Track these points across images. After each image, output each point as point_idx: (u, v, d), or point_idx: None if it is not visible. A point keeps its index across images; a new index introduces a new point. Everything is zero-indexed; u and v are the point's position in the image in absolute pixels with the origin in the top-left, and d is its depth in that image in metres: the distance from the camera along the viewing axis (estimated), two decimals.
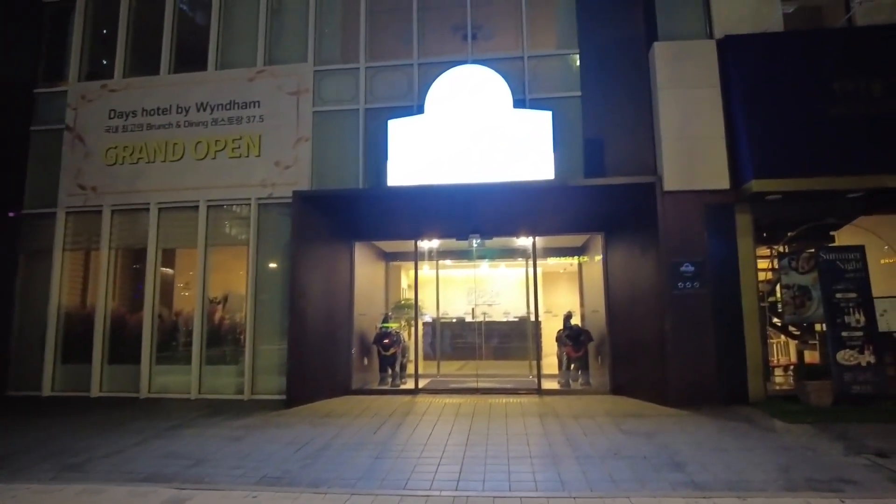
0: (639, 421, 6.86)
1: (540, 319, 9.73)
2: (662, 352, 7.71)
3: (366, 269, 10.35)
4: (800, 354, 9.01)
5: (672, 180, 8.01)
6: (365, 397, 8.89)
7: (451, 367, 12.60)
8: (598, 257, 9.49)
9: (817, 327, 8.48)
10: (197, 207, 9.47)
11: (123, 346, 9.52)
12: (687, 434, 6.18)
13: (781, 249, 8.65)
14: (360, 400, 8.67)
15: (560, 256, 11.65)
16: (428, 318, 12.63)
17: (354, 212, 9.05)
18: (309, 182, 9.18)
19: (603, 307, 9.16)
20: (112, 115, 9.85)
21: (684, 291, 7.88)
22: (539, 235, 9.39)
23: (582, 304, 11.23)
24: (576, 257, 11.62)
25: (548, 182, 8.26)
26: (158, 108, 9.78)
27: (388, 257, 11.87)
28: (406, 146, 8.72)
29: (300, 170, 9.24)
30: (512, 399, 8.46)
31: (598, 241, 9.45)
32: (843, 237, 8.43)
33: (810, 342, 8.86)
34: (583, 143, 8.73)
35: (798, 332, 8.77)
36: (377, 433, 6.47)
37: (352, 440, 6.18)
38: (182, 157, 9.58)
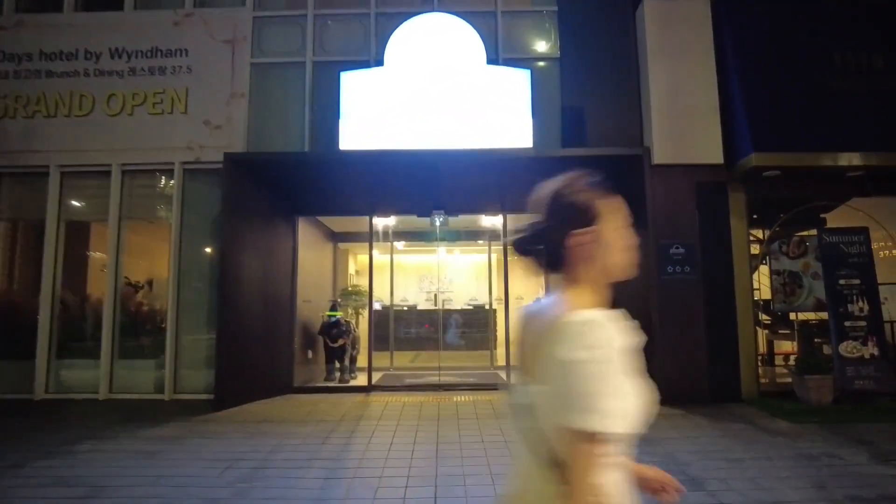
0: None
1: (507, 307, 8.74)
2: (648, 342, 6.89)
3: (311, 250, 9.09)
4: (770, 344, 8.50)
5: (662, 153, 7.18)
6: (310, 397, 7.69)
7: (406, 359, 11.57)
8: None
9: (792, 316, 7.95)
10: (109, 173, 7.92)
11: (14, 338, 7.91)
12: (689, 440, 5.35)
13: (770, 233, 8.00)
14: (305, 400, 7.47)
15: None
16: (379, 306, 11.54)
17: (298, 181, 7.76)
18: (244, 145, 7.82)
19: None
20: (0, 58, 8.12)
21: (674, 276, 7.09)
22: (510, 213, 8.39)
23: (548, 290, 10.35)
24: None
25: (524, 151, 7.26)
26: (61, 53, 8.12)
27: (338, 238, 10.63)
28: (361, 105, 7.51)
29: (234, 130, 7.87)
30: (480, 396, 7.47)
31: None
32: (835, 220, 7.86)
33: (780, 332, 8.34)
34: (561, 111, 7.78)
35: (769, 321, 8.21)
36: (326, 444, 5.32)
37: (296, 455, 5.00)
38: (91, 112, 7.99)
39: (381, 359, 11.55)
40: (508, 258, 10.88)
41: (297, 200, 8.17)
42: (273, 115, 8.02)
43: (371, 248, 8.28)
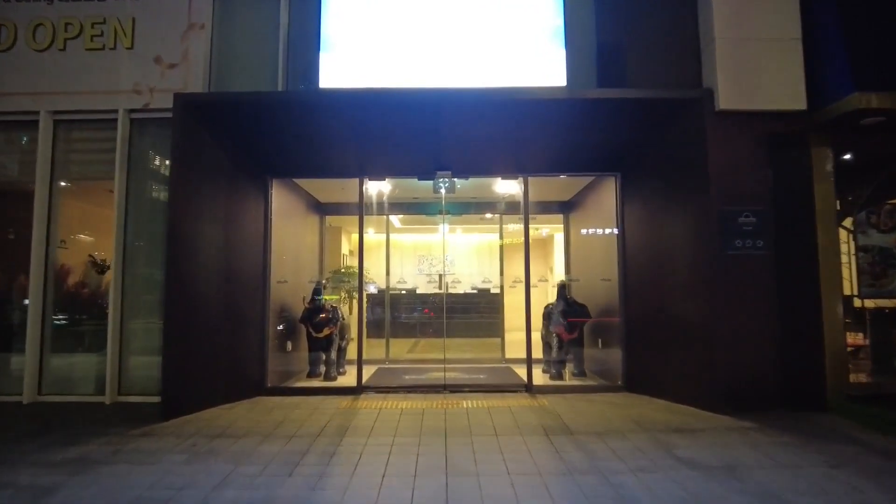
0: (692, 441, 4.58)
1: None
2: (708, 335, 5.47)
3: (291, 221, 7.58)
4: None
5: (727, 96, 5.66)
6: (285, 400, 6.25)
7: (404, 349, 10.17)
8: (608, 205, 7.08)
9: (857, 302, 6.50)
10: (36, 122, 6.39)
11: None
12: (788, 470, 3.91)
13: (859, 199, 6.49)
14: (278, 404, 6.03)
15: (548, 213, 9.25)
16: (374, 290, 10.15)
17: (271, 132, 6.21)
18: (204, 86, 6.30)
19: (616, 275, 6.79)
20: None
21: (741, 252, 5.61)
22: (533, 175, 6.86)
23: (568, 271, 8.90)
24: (559, 214, 9.28)
25: (554, 92, 5.73)
26: None
27: (326, 210, 9.12)
28: (349, 33, 5.97)
29: (191, 69, 6.32)
30: (495, 401, 6.03)
31: (609, 185, 7.04)
32: None
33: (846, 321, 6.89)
34: (596, 44, 6.25)
35: None
36: (295, 475, 3.88)
37: (250, 493, 3.56)
38: (12, 47, 6.43)
39: (376, 348, 10.19)
40: (531, 233, 9.54)
41: (270, 157, 6.63)
42: (240, 50, 6.47)
43: (361, 219, 6.77)
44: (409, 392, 6.50)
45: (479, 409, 5.65)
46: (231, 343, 6.21)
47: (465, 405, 5.84)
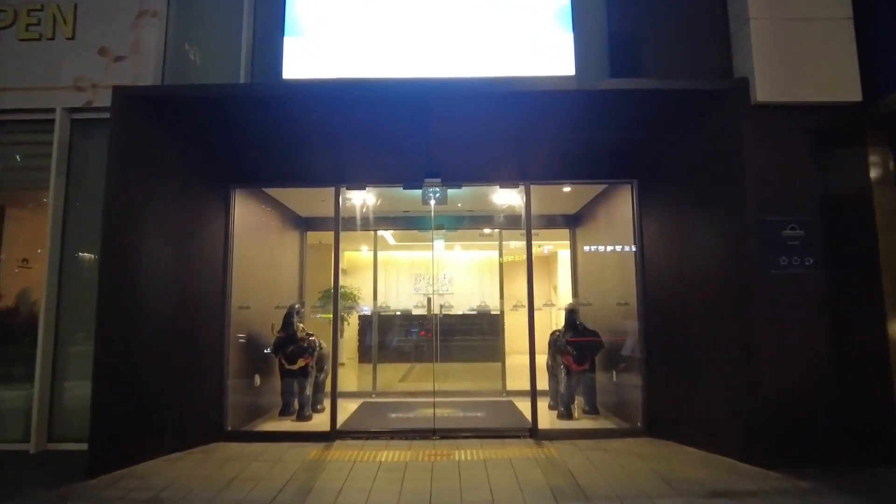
0: None
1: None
2: (747, 370, 4.52)
3: (260, 236, 6.67)
4: None
5: (766, 87, 4.77)
6: (245, 447, 5.27)
7: (393, 377, 9.23)
8: (622, 218, 6.16)
9: None
10: None
11: None
12: None
13: None
14: (235, 454, 5.05)
15: (552, 227, 8.34)
16: (366, 311, 9.32)
17: (230, 132, 5.32)
18: (157, 81, 5.44)
19: (634, 297, 5.84)
20: None
21: (787, 271, 4.68)
22: (536, 182, 5.94)
23: (575, 293, 7.96)
24: (565, 228, 8.37)
25: (561, 82, 4.84)
26: None
27: (307, 225, 8.21)
28: (323, 14, 5.13)
29: (142, 62, 5.46)
30: (493, 450, 5.04)
31: (624, 195, 6.13)
32: None
33: None
34: (607, 28, 5.37)
35: None
36: None
37: None
38: None
39: (364, 377, 9.27)
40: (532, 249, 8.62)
41: (231, 163, 5.73)
42: (199, 39, 5.63)
43: (337, 234, 5.86)
44: (392, 438, 5.52)
45: (474, 463, 4.67)
46: (183, 379, 5.25)
47: (457, 456, 4.86)
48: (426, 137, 5.28)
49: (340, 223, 5.89)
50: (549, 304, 6.96)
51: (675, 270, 5.39)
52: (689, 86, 4.84)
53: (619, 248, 6.34)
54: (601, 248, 7.02)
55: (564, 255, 10.90)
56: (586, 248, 7.67)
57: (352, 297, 11.05)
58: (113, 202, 4.69)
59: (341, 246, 12.10)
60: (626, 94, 4.86)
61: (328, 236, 9.57)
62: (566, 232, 8.33)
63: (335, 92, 4.80)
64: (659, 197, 5.67)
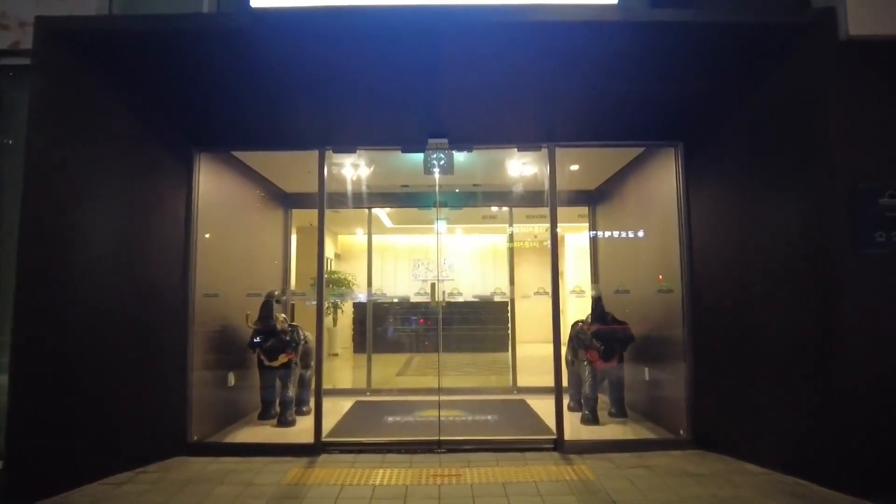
0: None
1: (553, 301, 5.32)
2: (831, 371, 3.60)
3: (233, 212, 5.69)
4: None
5: (862, 17, 3.80)
6: (211, 463, 4.34)
7: (390, 370, 8.37)
8: (660, 190, 5.20)
9: None
10: None
11: None
12: None
13: None
14: (197, 473, 4.12)
15: (567, 205, 7.35)
16: (363, 299, 8.51)
17: (191, 80, 4.28)
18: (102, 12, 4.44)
19: (679, 284, 4.89)
20: None
21: (885, 250, 3.74)
22: (562, 143, 4.94)
23: (595, 279, 7.03)
24: (584, 206, 7.42)
25: (600, 11, 3.84)
26: None
27: (292, 202, 7.23)
28: None
29: None
30: (512, 469, 4.12)
31: (663, 162, 5.16)
32: None
33: None
34: None
35: None
36: None
37: None
38: None
39: (357, 370, 8.41)
40: (534, 233, 7.68)
41: (196, 121, 4.72)
42: None
43: (322, 209, 4.88)
44: (390, 451, 4.59)
45: (491, 489, 3.74)
46: (136, 381, 4.30)
47: (468, 478, 3.94)
48: (430, 86, 4.28)
49: (326, 198, 4.90)
50: (578, 292, 5.95)
51: (732, 251, 4.43)
52: (756, 19, 3.85)
53: (652, 225, 5.38)
54: (628, 229, 6.06)
55: (571, 239, 10.07)
56: (612, 227, 6.71)
57: (345, 284, 10.19)
58: (35, 166, 3.72)
59: (334, 229, 11.23)
60: (677, 31, 3.84)
61: (315, 216, 8.69)
62: (573, 212, 7.36)
63: (316, 24, 3.78)
64: (711, 163, 4.69)
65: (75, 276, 3.89)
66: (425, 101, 4.46)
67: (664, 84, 4.35)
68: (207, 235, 4.99)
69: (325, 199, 4.86)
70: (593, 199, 7.26)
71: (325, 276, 10.57)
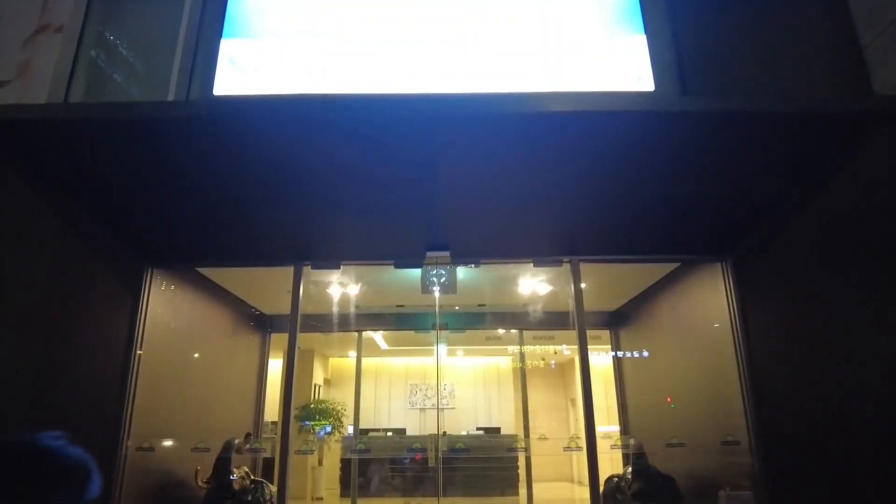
0: None
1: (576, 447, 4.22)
2: None
3: (192, 337, 4.76)
4: None
5: None
6: None
7: None
8: (700, 313, 4.30)
9: None
10: None
11: None
12: None
13: None
14: None
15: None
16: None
17: (144, 183, 3.55)
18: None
19: (745, 429, 3.82)
20: None
21: None
22: (586, 258, 4.12)
23: (623, 419, 5.92)
24: (604, 329, 6.50)
25: (634, 100, 3.19)
26: None
27: (274, 326, 6.31)
28: (285, 8, 3.59)
29: (32, 87, 3.87)
30: None
31: (705, 279, 4.31)
32: None
33: None
34: (675, 38, 3.84)
35: None
36: None
37: None
38: None
39: None
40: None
41: (148, 231, 3.94)
42: (122, 57, 4.08)
43: (294, 327, 3.96)
44: None
45: None
46: None
47: None
48: (429, 191, 3.55)
49: (306, 320, 4.02)
50: (615, 445, 4.78)
51: (816, 384, 3.44)
52: (827, 108, 3.20)
53: (699, 353, 4.43)
54: (666, 356, 5.11)
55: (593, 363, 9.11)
56: (639, 355, 5.74)
57: (334, 415, 9.04)
58: None
59: (324, 352, 10.18)
60: (726, 121, 3.19)
61: (307, 339, 7.75)
62: (607, 334, 6.44)
63: (291, 114, 3.12)
64: (773, 279, 3.84)
65: None
66: (422, 209, 3.70)
67: (708, 186, 3.64)
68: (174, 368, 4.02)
69: (299, 323, 3.95)
70: (614, 322, 6.36)
71: (311, 406, 9.42)
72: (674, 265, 4.67)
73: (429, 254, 3.93)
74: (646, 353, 5.52)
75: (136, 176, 3.49)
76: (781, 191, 3.64)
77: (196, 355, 4.70)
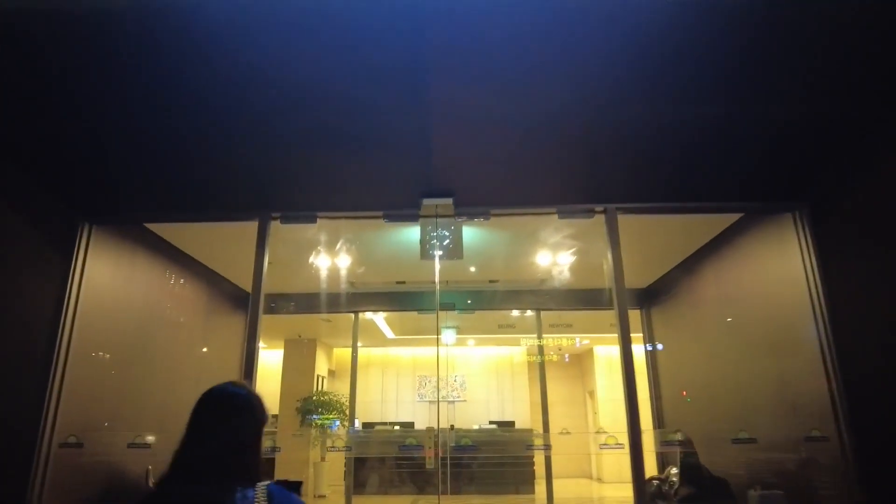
0: None
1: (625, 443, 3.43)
2: None
3: (146, 314, 4.02)
4: None
5: None
6: None
7: None
8: (770, 276, 3.47)
9: None
10: None
11: None
12: None
13: None
14: None
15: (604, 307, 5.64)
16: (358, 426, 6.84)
17: (77, 109, 2.80)
18: None
19: (831, 421, 2.99)
20: None
21: None
22: (625, 207, 3.29)
23: (658, 415, 5.11)
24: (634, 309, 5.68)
25: None
26: None
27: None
28: None
29: None
30: None
31: (770, 236, 3.48)
32: None
33: None
34: None
35: None
36: None
37: None
38: None
39: None
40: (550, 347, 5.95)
41: (84, 177, 3.18)
42: None
43: (257, 299, 3.20)
44: None
45: None
46: None
47: None
48: (423, 114, 2.75)
49: (263, 288, 3.23)
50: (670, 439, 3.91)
51: None
52: None
53: (762, 336, 3.60)
54: (713, 338, 4.28)
55: (602, 352, 8.53)
56: (678, 339, 4.92)
57: (338, 408, 8.50)
58: None
59: (328, 341, 9.46)
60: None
61: (311, 327, 7.08)
62: (602, 319, 5.61)
63: (250, 11, 2.34)
64: (863, 231, 2.99)
65: None
66: (416, 141, 2.89)
67: (781, 112, 2.81)
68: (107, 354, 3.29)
69: (262, 298, 3.16)
70: (646, 300, 5.54)
71: (314, 398, 8.82)
72: (723, 225, 3.82)
73: (426, 201, 3.13)
74: (689, 334, 4.69)
75: (65, 103, 2.72)
76: (876, 114, 2.80)
77: (154, 336, 3.96)
